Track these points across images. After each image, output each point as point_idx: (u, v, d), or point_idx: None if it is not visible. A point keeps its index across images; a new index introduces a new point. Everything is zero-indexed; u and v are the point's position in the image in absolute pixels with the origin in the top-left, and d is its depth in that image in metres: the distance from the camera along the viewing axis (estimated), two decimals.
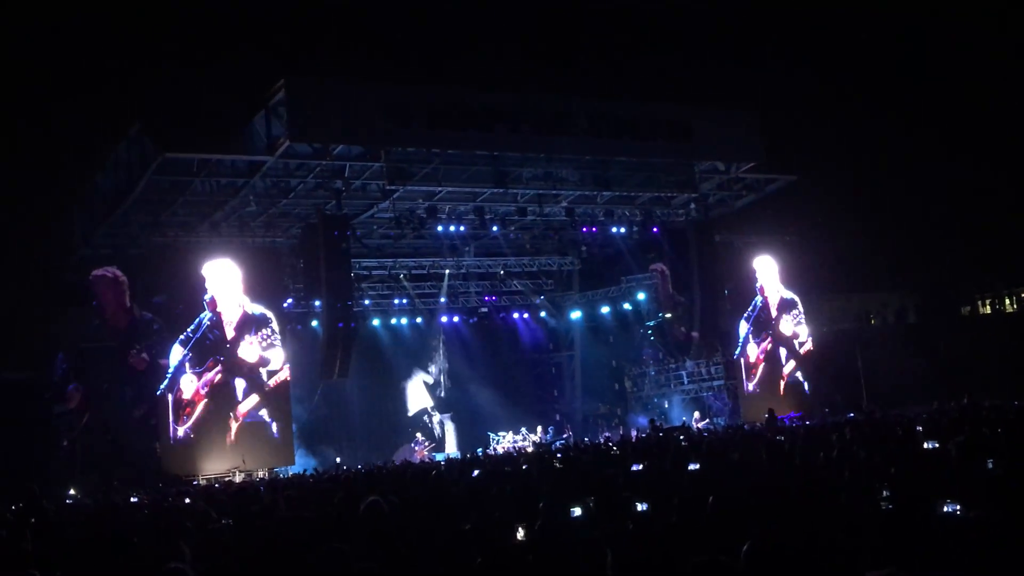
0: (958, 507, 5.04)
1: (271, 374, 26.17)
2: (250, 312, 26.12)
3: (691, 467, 9.52)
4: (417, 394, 34.81)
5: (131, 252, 26.16)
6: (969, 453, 6.83)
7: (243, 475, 24.02)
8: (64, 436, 25.64)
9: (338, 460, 27.01)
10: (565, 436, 31.67)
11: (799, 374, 33.12)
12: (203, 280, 25.57)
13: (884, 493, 5.95)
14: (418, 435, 32.76)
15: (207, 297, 25.50)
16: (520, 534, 6.75)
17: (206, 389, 25.16)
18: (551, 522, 6.51)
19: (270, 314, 26.45)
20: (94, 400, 25.70)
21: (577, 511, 7.06)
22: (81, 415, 25.58)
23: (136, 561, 6.56)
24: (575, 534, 6.44)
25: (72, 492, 18.37)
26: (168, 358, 24.92)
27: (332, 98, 23.37)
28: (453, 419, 34.46)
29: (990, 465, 6.96)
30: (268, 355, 26.20)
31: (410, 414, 34.38)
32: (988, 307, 43.35)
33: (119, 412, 25.67)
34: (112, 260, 25.99)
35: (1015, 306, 42.78)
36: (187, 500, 14.57)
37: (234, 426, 25.24)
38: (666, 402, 34.42)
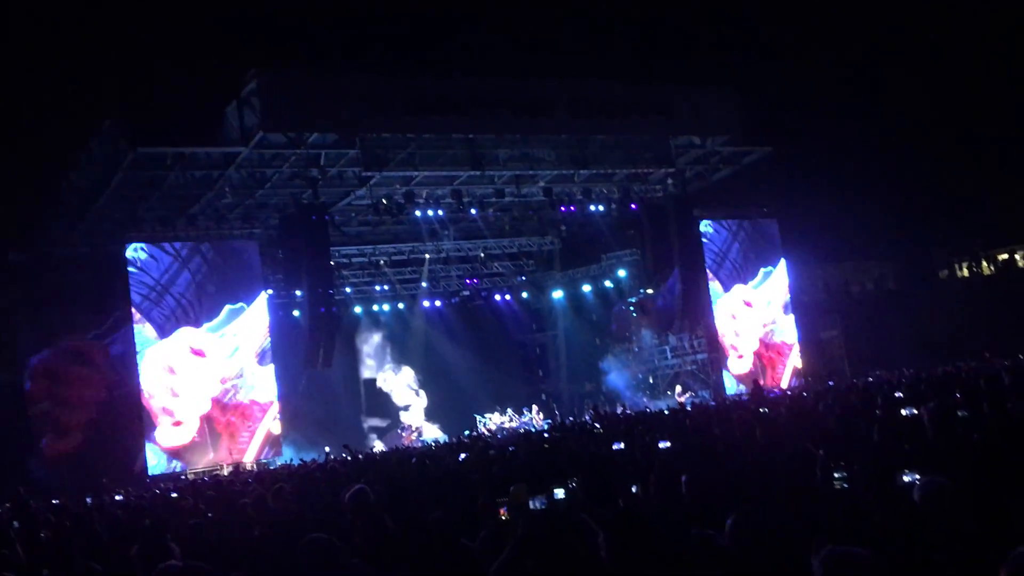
0: (917, 476, 5.07)
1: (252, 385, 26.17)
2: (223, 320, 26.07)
3: (662, 445, 9.57)
4: (403, 380, 34.84)
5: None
6: (942, 419, 6.93)
7: (230, 468, 24.02)
8: (39, 439, 25.45)
9: (327, 449, 26.99)
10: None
11: (782, 348, 33.28)
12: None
13: (837, 474, 5.96)
14: (405, 420, 32.76)
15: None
16: (503, 515, 6.78)
17: (184, 400, 25.08)
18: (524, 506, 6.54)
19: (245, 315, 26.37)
20: (68, 408, 25.41)
21: (560, 493, 7.09)
22: (56, 425, 25.36)
23: (122, 561, 6.57)
24: (561, 516, 6.47)
25: (56, 502, 18.27)
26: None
27: (304, 87, 23.28)
28: (439, 403, 34.49)
29: (962, 430, 7.04)
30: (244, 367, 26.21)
31: (396, 400, 34.42)
32: (965, 270, 43.68)
33: (100, 417, 25.40)
34: (89, 259, 25.84)
35: (992, 268, 43.12)
36: (174, 495, 14.57)
37: (219, 430, 25.30)
38: (651, 377, 34.57)
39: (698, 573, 4.66)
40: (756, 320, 32.92)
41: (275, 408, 26.42)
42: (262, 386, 26.33)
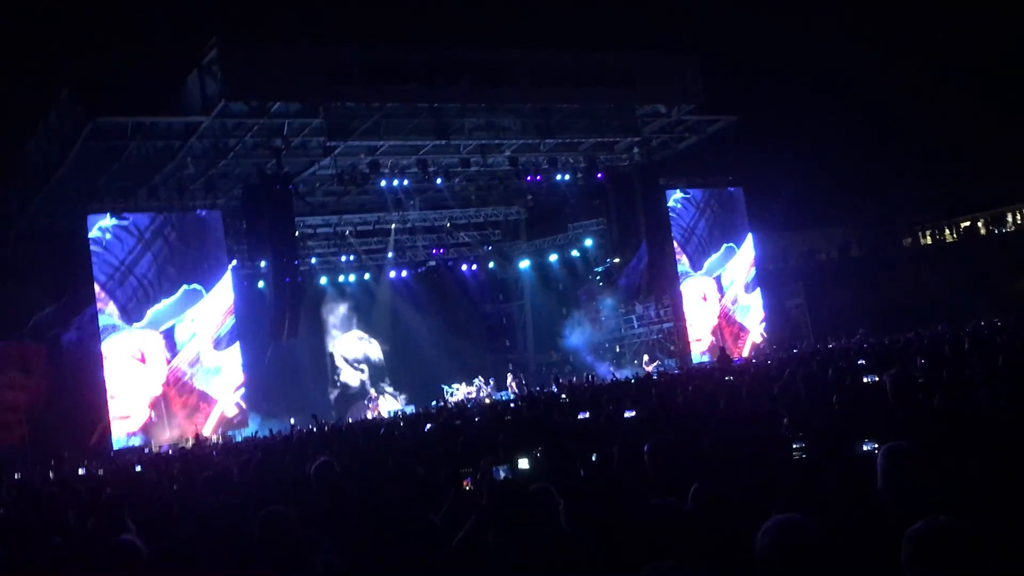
0: (876, 445, 5.08)
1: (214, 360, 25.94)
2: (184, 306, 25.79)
3: (628, 414, 9.61)
4: (369, 351, 34.74)
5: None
6: (903, 386, 6.98)
7: (192, 441, 23.89)
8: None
9: (292, 421, 26.92)
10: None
11: (746, 318, 33.49)
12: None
13: (795, 445, 5.96)
14: (371, 392, 32.68)
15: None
16: (467, 485, 6.79)
17: (148, 382, 24.84)
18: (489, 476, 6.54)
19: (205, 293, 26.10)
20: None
21: (524, 463, 7.09)
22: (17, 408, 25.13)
23: (79, 536, 6.51)
24: (523, 486, 6.46)
25: (17, 476, 18.12)
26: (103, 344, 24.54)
27: (267, 55, 22.89)
28: (406, 373, 34.46)
29: (922, 396, 7.10)
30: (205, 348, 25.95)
31: (363, 372, 34.32)
32: (929, 237, 44.17)
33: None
34: (49, 232, 25.43)
35: (955, 236, 43.63)
36: (138, 468, 14.48)
37: (175, 411, 25.13)
38: (618, 347, 34.69)
39: (656, 541, 4.67)
40: (718, 305, 33.10)
41: (230, 391, 26.19)
42: (218, 371, 26.03)
